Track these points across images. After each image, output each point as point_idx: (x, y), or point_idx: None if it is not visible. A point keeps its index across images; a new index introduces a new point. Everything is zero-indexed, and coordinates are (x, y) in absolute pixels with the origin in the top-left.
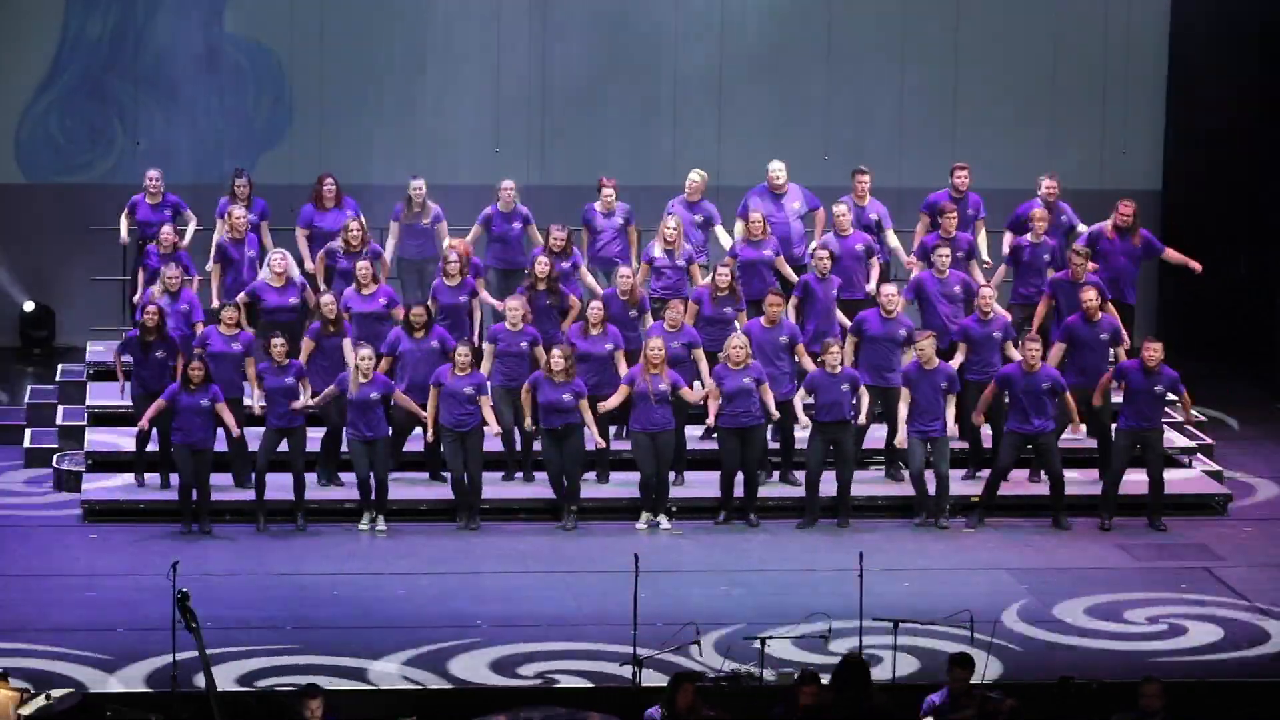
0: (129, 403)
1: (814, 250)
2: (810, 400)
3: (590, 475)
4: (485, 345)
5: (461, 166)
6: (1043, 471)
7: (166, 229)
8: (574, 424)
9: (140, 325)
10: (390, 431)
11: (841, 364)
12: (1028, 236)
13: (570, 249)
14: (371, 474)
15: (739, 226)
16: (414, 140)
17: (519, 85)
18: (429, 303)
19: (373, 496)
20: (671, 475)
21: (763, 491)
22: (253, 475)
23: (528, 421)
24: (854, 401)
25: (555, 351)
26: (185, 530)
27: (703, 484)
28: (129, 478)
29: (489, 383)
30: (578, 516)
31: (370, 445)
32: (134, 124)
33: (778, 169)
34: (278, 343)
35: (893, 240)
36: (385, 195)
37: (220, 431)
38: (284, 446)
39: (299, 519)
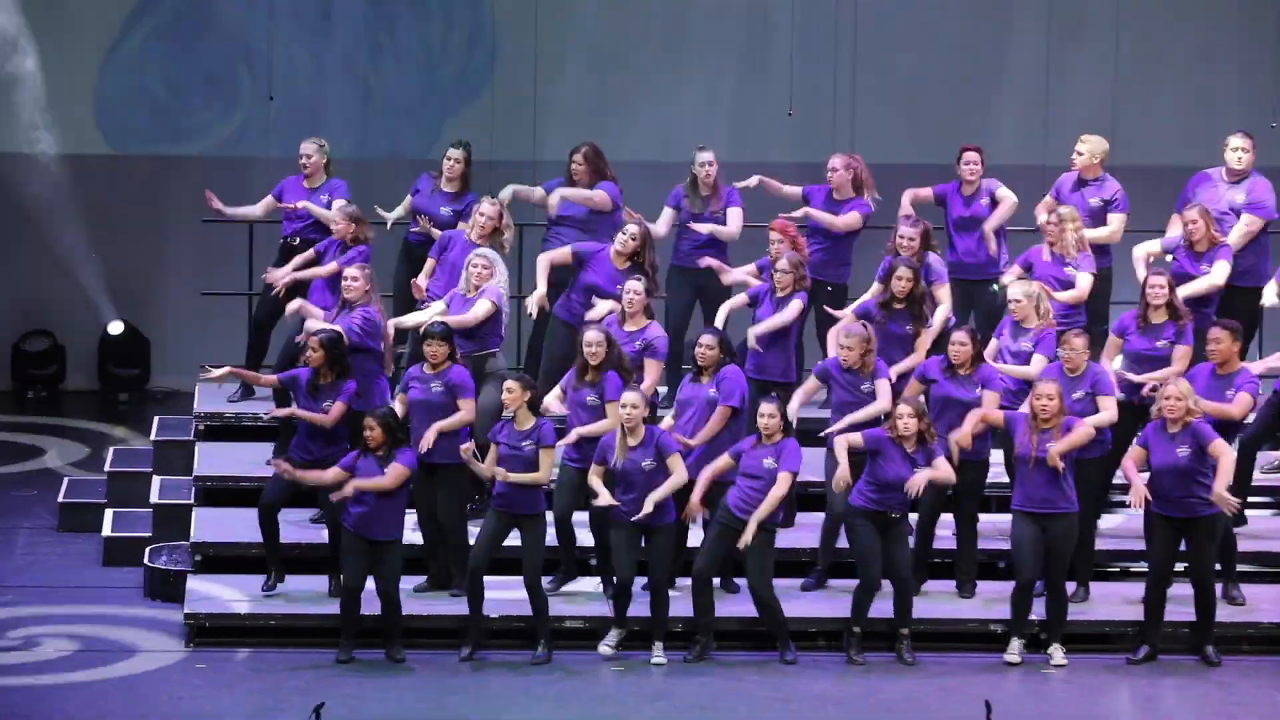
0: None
1: None
2: None
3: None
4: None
5: (734, 138)
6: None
7: (341, 207)
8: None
9: (307, 359)
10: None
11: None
12: None
13: (922, 252)
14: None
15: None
16: (668, 101)
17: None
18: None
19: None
20: (1072, 586)
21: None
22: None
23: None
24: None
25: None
26: (343, 658)
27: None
28: (255, 581)
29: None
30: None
31: (638, 535)
32: (267, 72)
33: (1239, 145)
34: (512, 385)
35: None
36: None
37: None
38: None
39: (540, 645)
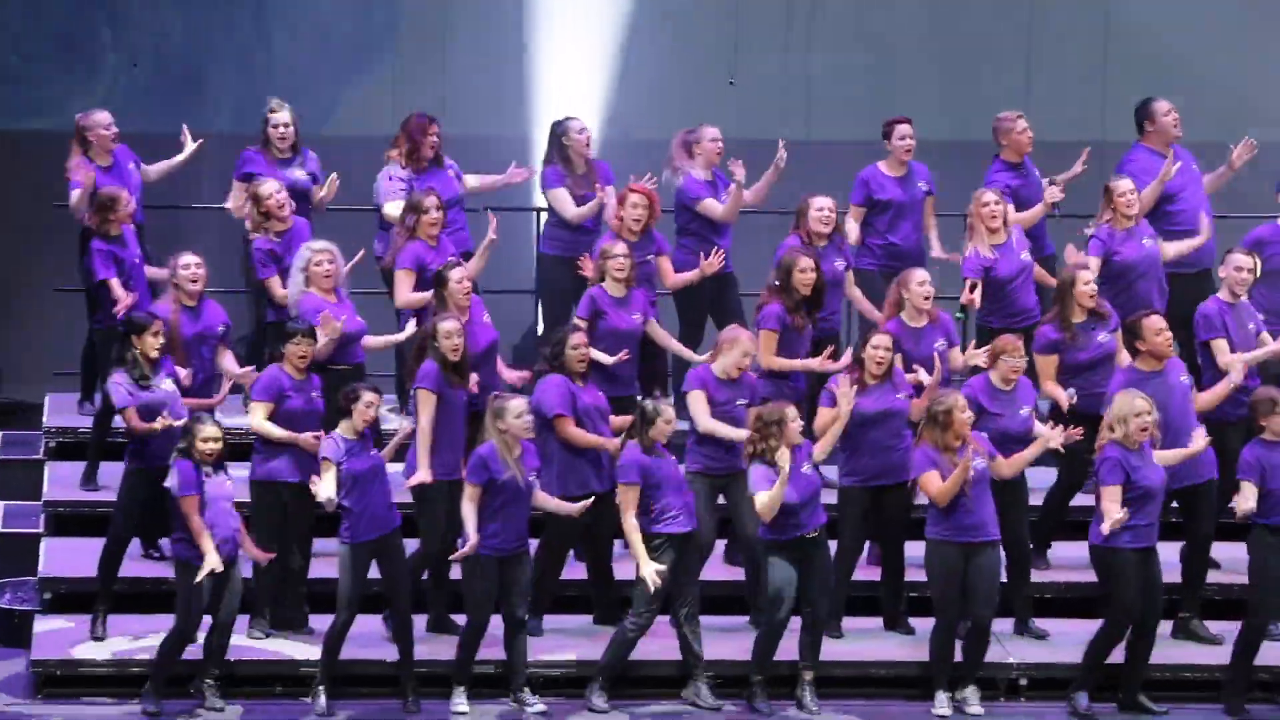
0: (97, 495)
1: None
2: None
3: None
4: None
5: (638, 112)
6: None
7: (120, 185)
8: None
9: (129, 355)
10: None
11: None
12: None
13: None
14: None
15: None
16: (593, 67)
17: None
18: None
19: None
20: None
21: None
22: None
23: None
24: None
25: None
26: (154, 711)
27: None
28: (113, 623)
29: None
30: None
31: (509, 563)
32: (130, 34)
33: (1170, 111)
34: (367, 399)
35: None
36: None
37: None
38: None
39: (408, 696)
